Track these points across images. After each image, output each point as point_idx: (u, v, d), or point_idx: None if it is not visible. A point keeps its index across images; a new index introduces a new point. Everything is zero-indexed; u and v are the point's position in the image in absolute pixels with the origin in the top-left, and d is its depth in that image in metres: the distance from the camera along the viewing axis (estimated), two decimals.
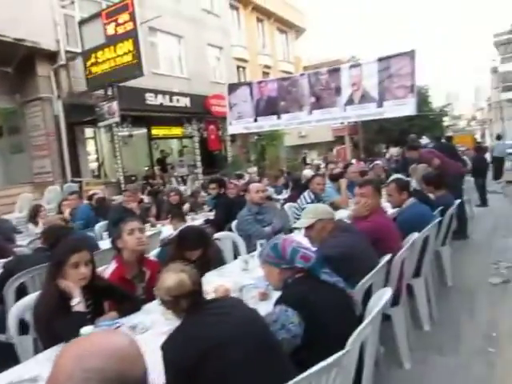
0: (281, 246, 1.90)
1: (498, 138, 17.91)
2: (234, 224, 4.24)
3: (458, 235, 6.24)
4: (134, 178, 14.05)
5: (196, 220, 5.37)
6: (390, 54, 6.56)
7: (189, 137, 15.00)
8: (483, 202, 8.97)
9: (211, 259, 2.90)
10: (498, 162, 15.19)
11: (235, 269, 2.87)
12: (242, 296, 2.22)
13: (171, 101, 13.25)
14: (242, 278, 2.59)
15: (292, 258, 1.86)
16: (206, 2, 16.86)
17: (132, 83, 11.21)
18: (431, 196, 4.46)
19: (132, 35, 9.94)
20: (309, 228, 2.44)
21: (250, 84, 7.96)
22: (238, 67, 19.76)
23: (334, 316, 1.77)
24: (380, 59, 6.61)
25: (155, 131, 14.85)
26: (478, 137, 50.27)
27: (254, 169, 16.50)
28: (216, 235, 3.67)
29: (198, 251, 2.81)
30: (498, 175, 14.53)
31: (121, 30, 10.17)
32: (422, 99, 33.95)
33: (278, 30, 23.56)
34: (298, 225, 2.54)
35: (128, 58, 10.18)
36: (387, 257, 2.38)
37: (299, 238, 2.61)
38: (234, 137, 18.75)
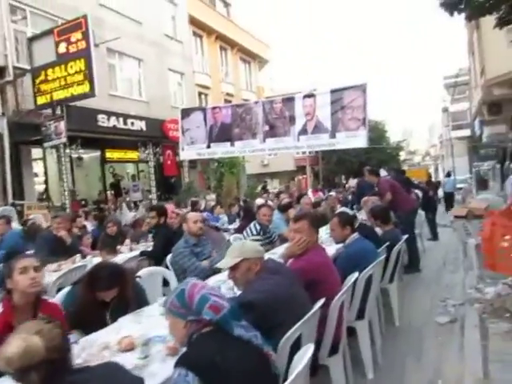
0: (188, 292, 1.59)
1: (448, 174, 19.54)
2: (168, 257, 3.87)
3: (409, 269, 6.18)
4: (83, 203, 13.34)
5: (134, 251, 4.94)
6: (343, 86, 6.58)
7: (144, 161, 14.53)
8: (434, 236, 9.07)
9: (129, 301, 2.53)
10: (449, 196, 16.53)
11: (155, 312, 2.50)
12: (147, 350, 1.87)
13: (125, 123, 12.82)
14: (158, 326, 2.23)
15: (199, 308, 1.55)
16: (168, 27, 16.84)
17: (84, 103, 10.76)
18: (378, 230, 4.31)
19: (84, 54, 9.59)
20: (233, 268, 2.14)
21: (203, 109, 7.75)
22: (200, 93, 19.71)
23: (246, 381, 1.46)
24: (333, 91, 6.61)
25: (110, 154, 14.29)
26: (432, 171, 52.85)
27: (213, 196, 16.18)
28: (141, 272, 3.29)
29: (113, 291, 2.45)
30: (448, 208, 15.55)
31: (73, 49, 9.81)
32: (380, 134, 35.42)
33: (242, 60, 23.89)
34: (221, 265, 2.24)
35: (79, 78, 9.78)
36: (320, 302, 2.11)
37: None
38: (194, 163, 18.46)
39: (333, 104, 6.57)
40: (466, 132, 36.76)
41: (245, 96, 23.20)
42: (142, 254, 4.57)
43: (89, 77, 9.58)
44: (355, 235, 3.29)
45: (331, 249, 4.05)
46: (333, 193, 8.98)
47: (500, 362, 3.21)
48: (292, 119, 6.88)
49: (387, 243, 3.77)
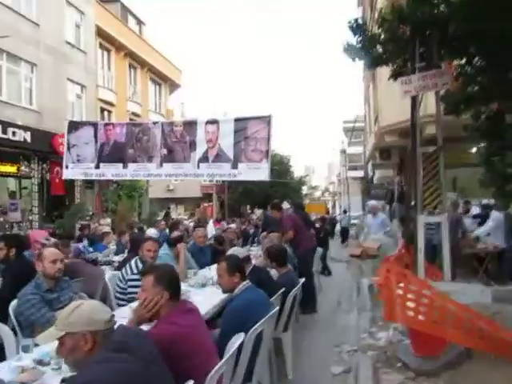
0: None
1: (345, 212, 22.17)
2: (12, 305, 2.99)
3: (306, 309, 5.94)
4: None
5: None
6: (247, 116, 6.35)
7: (27, 177, 12.68)
8: (323, 270, 9.13)
9: None
10: (345, 230, 19.19)
11: None
12: None
13: (4, 132, 11.10)
14: None
15: None
16: (70, 35, 15.50)
17: None
18: (274, 272, 3.96)
19: None
20: (61, 343, 1.51)
21: (95, 124, 6.87)
22: (103, 109, 18.35)
23: None
24: (237, 119, 6.33)
25: None
26: (330, 206, 56.55)
27: (108, 220, 14.79)
28: None
29: None
30: (344, 241, 17.96)
31: None
32: (285, 168, 36.84)
33: (152, 81, 23.06)
34: (40, 340, 1.56)
35: None
36: None
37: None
38: (91, 183, 16.80)
39: (236, 133, 6.27)
40: (360, 173, 40.20)
41: (152, 117, 22.21)
42: None
43: None
44: (245, 283, 2.83)
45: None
46: (233, 225, 8.57)
47: None
48: (193, 145, 6.40)
49: (282, 289, 3.40)
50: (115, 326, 1.59)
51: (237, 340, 2.16)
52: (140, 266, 3.91)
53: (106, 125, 6.79)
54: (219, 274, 2.86)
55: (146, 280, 2.10)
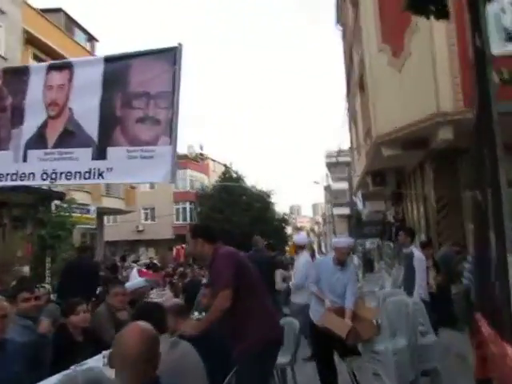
0: None
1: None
2: None
3: None
4: None
5: None
6: (131, 52, 3.06)
7: None
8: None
9: None
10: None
11: None
12: None
13: None
14: None
15: None
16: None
17: None
18: None
19: None
20: None
21: None
22: None
23: None
24: (109, 59, 3.02)
25: None
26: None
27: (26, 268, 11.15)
28: None
29: None
30: None
31: None
32: (266, 206, 33.53)
33: None
34: None
35: None
36: None
37: None
38: (21, 221, 13.09)
39: (107, 86, 2.93)
40: (346, 210, 37.49)
41: None
42: None
43: None
44: None
45: None
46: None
47: None
48: (18, 113, 3.03)
49: None
50: None
51: None
52: None
53: None
54: None
55: None
